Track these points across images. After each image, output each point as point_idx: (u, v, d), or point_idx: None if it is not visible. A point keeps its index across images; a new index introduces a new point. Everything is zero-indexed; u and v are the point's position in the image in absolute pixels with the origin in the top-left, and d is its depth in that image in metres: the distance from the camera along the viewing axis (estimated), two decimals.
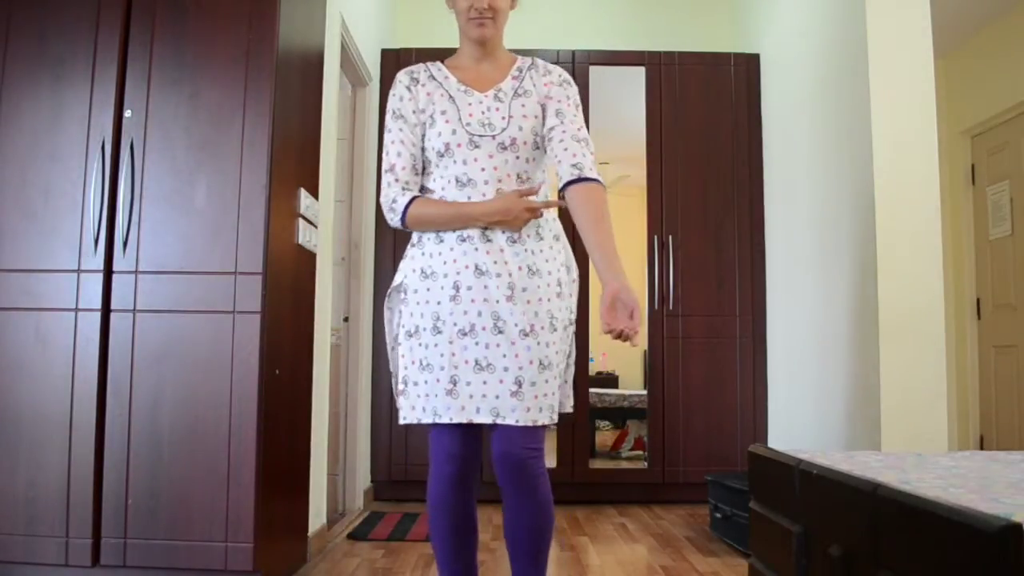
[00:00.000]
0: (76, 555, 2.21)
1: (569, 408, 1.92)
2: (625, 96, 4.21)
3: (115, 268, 2.30)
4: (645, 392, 4.09)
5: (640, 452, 4.23)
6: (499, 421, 1.77)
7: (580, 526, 3.47)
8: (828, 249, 3.29)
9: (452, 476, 1.84)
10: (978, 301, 4.71)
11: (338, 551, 2.98)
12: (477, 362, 1.79)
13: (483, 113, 1.88)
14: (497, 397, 1.77)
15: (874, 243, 2.83)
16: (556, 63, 4.11)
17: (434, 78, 1.95)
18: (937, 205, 2.83)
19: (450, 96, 1.91)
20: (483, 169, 1.85)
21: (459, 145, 1.85)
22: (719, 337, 4.02)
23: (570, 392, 1.94)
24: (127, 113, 2.33)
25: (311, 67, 2.77)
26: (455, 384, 1.79)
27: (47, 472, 2.24)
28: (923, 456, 1.85)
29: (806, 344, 3.53)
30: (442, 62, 1.99)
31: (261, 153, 2.31)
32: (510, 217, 1.81)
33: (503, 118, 1.87)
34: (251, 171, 2.30)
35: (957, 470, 1.59)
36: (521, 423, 1.76)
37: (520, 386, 1.77)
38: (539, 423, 1.78)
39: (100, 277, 2.29)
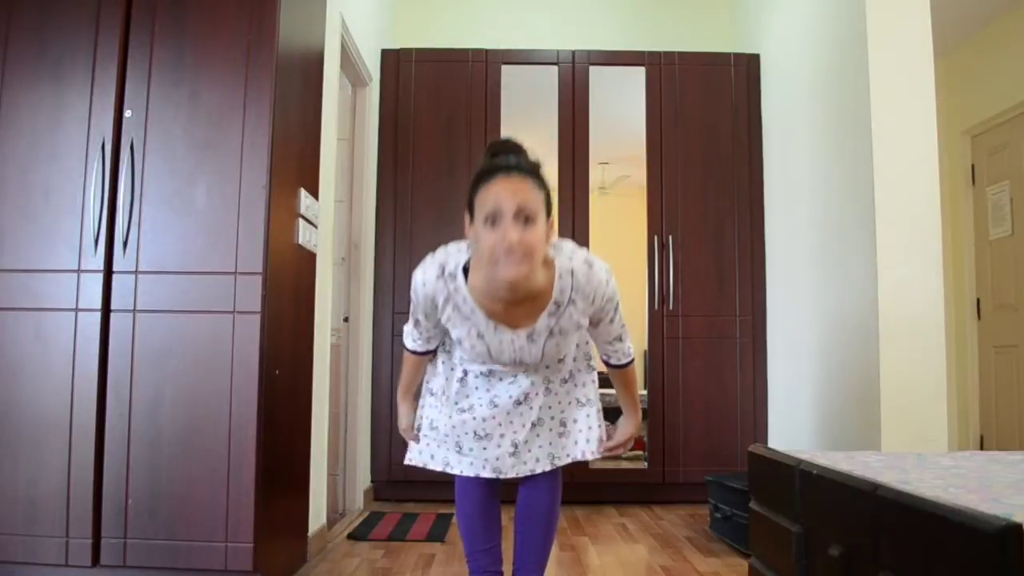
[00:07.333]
0: (76, 555, 2.21)
1: (589, 456, 2.01)
2: (625, 96, 4.20)
3: (115, 268, 2.30)
4: (645, 392, 4.09)
5: (640, 452, 4.23)
6: (501, 476, 1.96)
7: (580, 526, 3.47)
8: (828, 249, 3.29)
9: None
10: (978, 301, 4.71)
11: (338, 551, 2.98)
12: (476, 433, 1.95)
13: (515, 351, 1.83)
14: (497, 459, 1.94)
15: (874, 243, 2.83)
16: (556, 63, 4.13)
17: (453, 299, 1.75)
18: (937, 205, 2.83)
19: (478, 330, 1.79)
20: (506, 367, 1.93)
21: (483, 362, 1.90)
22: (719, 337, 4.02)
23: (591, 438, 2.02)
24: (127, 113, 2.33)
25: (311, 67, 2.77)
26: (460, 449, 1.96)
27: (47, 472, 2.24)
28: (923, 456, 1.85)
29: (806, 344, 3.52)
30: (465, 277, 1.71)
31: (261, 153, 2.31)
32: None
33: (536, 352, 1.85)
34: (251, 171, 2.30)
35: (957, 470, 1.59)
36: (522, 475, 1.96)
37: (516, 447, 1.94)
38: (536, 472, 1.97)
39: (100, 277, 2.29)
